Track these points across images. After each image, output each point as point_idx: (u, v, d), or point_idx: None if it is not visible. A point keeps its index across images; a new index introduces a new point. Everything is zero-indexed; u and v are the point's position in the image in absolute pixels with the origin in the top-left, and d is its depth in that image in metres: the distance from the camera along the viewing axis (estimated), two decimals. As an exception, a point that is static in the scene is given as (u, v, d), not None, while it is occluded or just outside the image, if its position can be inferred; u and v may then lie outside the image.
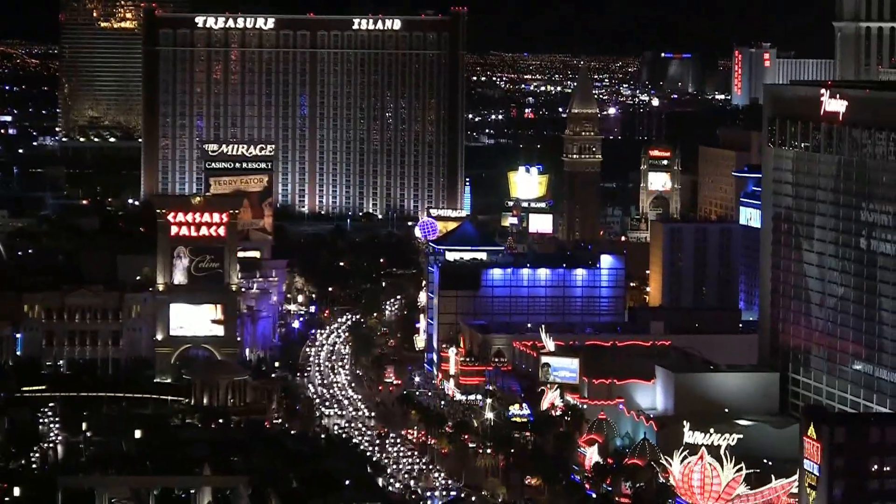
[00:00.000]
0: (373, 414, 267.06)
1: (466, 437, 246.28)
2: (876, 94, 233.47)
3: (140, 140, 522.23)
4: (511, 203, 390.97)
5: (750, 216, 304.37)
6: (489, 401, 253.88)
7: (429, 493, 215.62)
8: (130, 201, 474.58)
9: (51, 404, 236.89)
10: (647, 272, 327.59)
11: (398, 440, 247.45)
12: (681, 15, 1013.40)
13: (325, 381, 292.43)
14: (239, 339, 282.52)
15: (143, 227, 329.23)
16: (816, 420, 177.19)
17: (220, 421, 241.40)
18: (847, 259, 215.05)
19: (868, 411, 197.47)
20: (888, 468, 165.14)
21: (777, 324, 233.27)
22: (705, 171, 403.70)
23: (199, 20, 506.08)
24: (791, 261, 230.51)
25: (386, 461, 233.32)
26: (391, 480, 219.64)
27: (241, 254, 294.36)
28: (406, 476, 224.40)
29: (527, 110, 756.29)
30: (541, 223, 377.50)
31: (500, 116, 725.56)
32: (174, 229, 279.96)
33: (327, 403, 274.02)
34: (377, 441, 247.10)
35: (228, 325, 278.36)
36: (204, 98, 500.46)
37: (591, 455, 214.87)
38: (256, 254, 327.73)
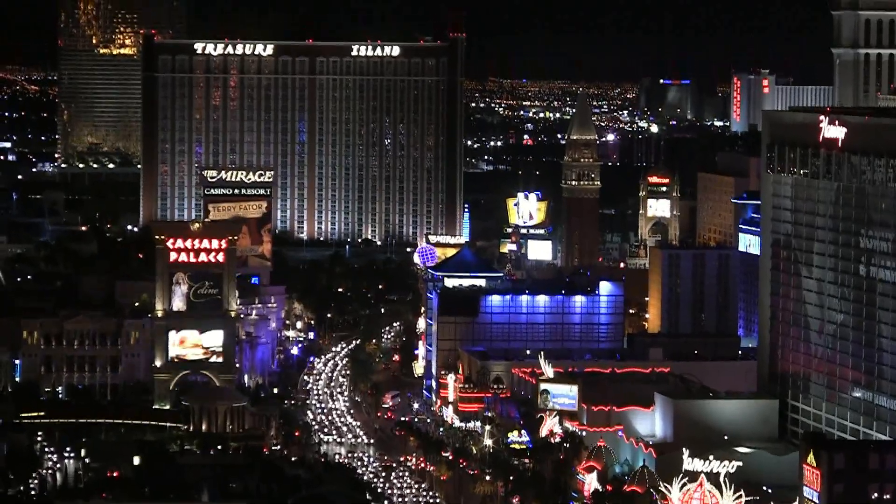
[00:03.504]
0: (371, 440, 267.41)
1: (465, 463, 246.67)
2: (875, 121, 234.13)
3: (139, 166, 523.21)
4: (510, 229, 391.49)
5: (749, 242, 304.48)
6: (488, 427, 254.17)
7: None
8: (129, 227, 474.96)
9: (49, 430, 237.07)
10: (646, 298, 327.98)
11: (397, 466, 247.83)
12: (680, 39, 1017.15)
13: (324, 408, 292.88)
14: (237, 365, 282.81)
15: (142, 252, 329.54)
16: (816, 447, 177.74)
17: (219, 447, 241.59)
18: (846, 286, 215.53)
19: (868, 438, 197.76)
20: (888, 496, 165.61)
21: (776, 350, 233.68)
22: (704, 197, 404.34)
23: (198, 46, 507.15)
24: (790, 287, 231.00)
25: (385, 487, 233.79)
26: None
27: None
28: (405, 502, 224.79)
29: (525, 136, 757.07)
30: (539, 249, 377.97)
31: (498, 142, 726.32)
32: (173, 255, 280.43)
33: (326, 430, 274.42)
34: (376, 467, 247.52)
35: (227, 351, 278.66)
36: (203, 124, 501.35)
37: (591, 482, 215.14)
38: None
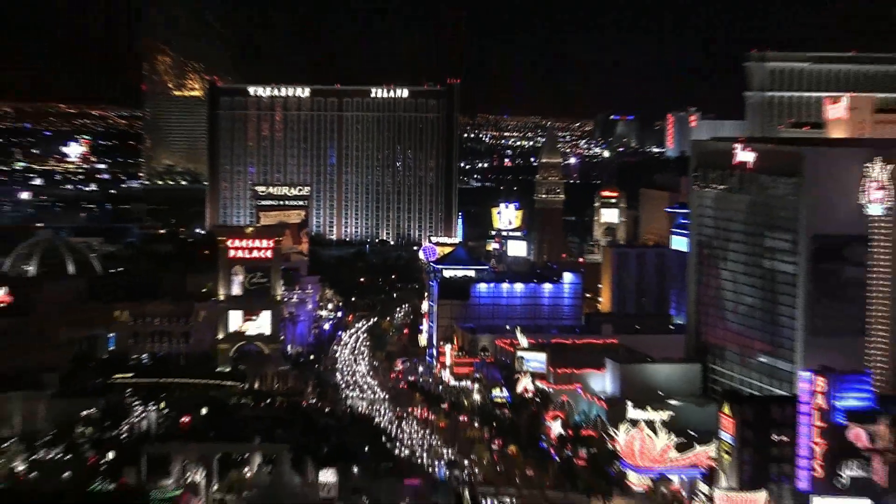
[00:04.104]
0: (386, 396, 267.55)
1: (459, 414, 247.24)
2: (777, 148, 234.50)
3: (205, 183, 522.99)
4: (494, 232, 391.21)
5: (680, 243, 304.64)
6: (476, 386, 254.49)
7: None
8: (197, 231, 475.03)
9: (135, 388, 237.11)
10: (600, 286, 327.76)
11: (406, 416, 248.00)
12: (627, 84, 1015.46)
13: (349, 371, 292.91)
14: (282, 337, 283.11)
15: (207, 251, 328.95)
16: (731, 401, 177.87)
17: (267, 401, 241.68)
18: (754, 276, 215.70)
19: (770, 394, 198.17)
20: (785, 438, 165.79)
21: (700, 326, 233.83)
22: (645, 207, 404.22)
23: (251, 90, 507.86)
24: (711, 277, 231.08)
25: (397, 432, 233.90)
26: (401, 448, 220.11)
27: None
28: (413, 445, 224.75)
29: (506, 160, 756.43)
30: (517, 248, 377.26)
31: (485, 164, 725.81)
32: (231, 253, 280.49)
33: (351, 388, 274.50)
34: (390, 417, 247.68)
35: (274, 327, 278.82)
36: (254, 150, 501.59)
37: (556, 428, 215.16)
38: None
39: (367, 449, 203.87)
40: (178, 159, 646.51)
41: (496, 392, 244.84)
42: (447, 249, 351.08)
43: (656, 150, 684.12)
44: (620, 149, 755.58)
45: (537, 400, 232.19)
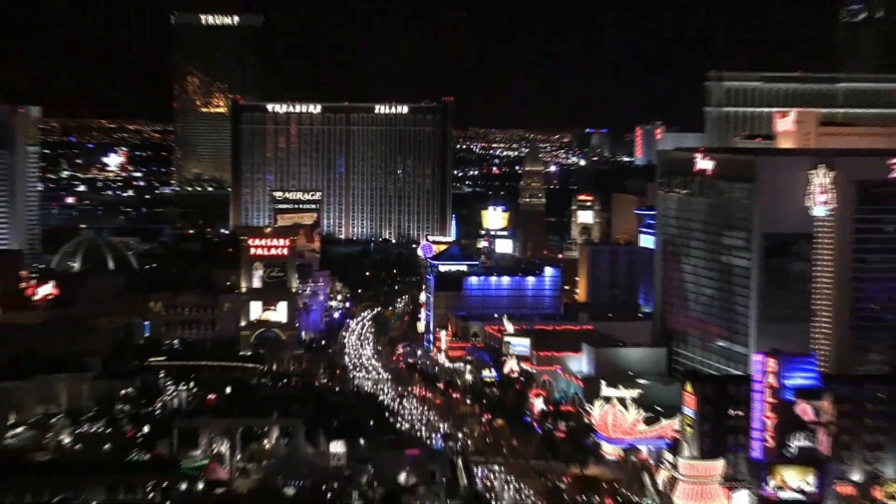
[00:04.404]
0: (389, 377, 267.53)
1: (453, 392, 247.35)
2: (733, 157, 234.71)
3: (229, 189, 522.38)
4: (483, 231, 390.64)
5: (647, 241, 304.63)
6: (468, 367, 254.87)
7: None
8: (222, 231, 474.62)
9: (167, 370, 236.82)
10: (577, 279, 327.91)
11: (406, 394, 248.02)
12: (601, 101, 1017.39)
13: (356, 354, 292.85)
14: (297, 325, 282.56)
15: (231, 249, 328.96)
16: (692, 380, 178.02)
17: (284, 381, 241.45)
18: (713, 270, 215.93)
19: (727, 374, 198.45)
20: (740, 413, 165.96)
21: (665, 314, 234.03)
22: (616, 209, 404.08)
23: (269, 106, 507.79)
24: (675, 271, 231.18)
25: (398, 408, 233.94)
26: (402, 422, 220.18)
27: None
28: (412, 419, 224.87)
29: (494, 168, 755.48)
30: (504, 245, 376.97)
31: (475, 172, 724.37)
32: (252, 250, 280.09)
33: (357, 369, 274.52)
34: (392, 395, 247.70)
35: (289, 315, 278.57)
36: (272, 160, 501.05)
37: (538, 404, 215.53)
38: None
39: (372, 423, 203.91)
40: (204, 168, 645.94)
41: (486, 373, 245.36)
42: (442, 247, 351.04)
43: (626, 159, 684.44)
44: (595, 158, 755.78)
45: (522, 379, 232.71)
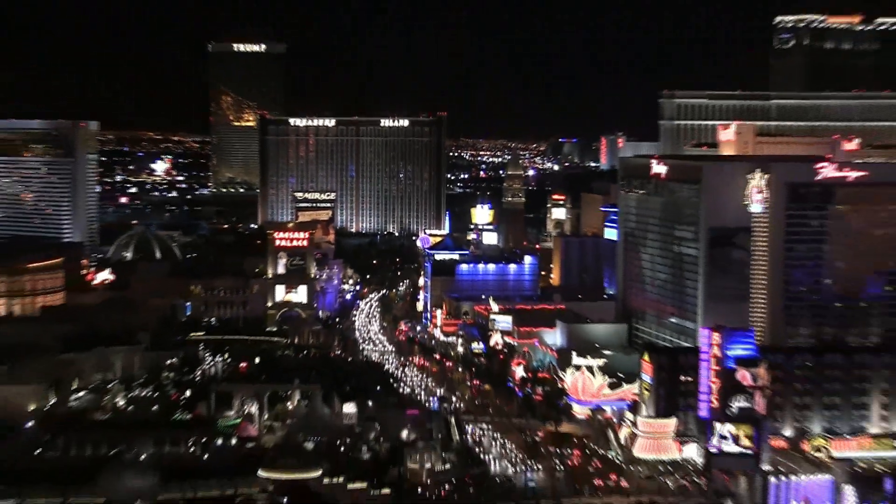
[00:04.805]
0: (393, 349, 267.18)
1: (447, 361, 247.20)
2: (683, 162, 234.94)
3: (257, 190, 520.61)
4: (472, 226, 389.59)
5: (611, 233, 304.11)
6: (460, 340, 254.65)
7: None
8: (251, 226, 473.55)
9: (206, 343, 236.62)
10: (551, 266, 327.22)
11: (407, 364, 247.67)
12: (571, 115, 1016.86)
13: (365, 330, 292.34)
14: (315, 305, 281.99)
15: (259, 241, 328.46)
16: (650, 351, 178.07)
17: (304, 353, 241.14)
18: (666, 258, 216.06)
19: (678, 346, 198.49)
20: (689, 378, 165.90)
21: (626, 295, 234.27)
22: (585, 207, 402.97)
23: (291, 120, 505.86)
24: (634, 259, 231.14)
25: (401, 376, 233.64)
26: (404, 387, 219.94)
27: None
28: (412, 385, 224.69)
29: (481, 172, 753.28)
30: (490, 238, 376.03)
31: (465, 176, 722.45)
32: (277, 242, 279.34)
33: (366, 342, 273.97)
34: (396, 364, 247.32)
35: (309, 297, 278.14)
36: (294, 166, 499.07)
37: (519, 371, 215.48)
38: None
39: (378, 388, 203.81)
40: (236, 173, 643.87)
41: (474, 345, 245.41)
42: (438, 239, 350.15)
43: (593, 164, 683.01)
44: (566, 164, 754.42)
45: (505, 351, 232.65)
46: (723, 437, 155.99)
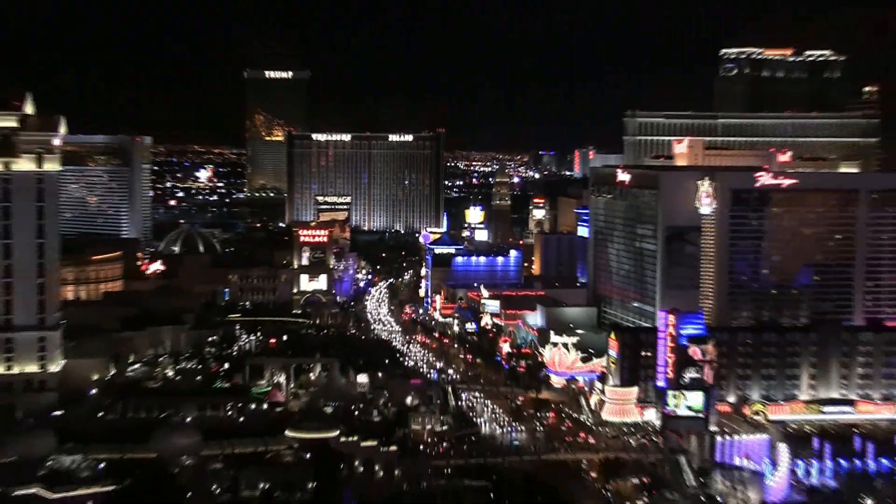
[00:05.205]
0: (399, 328, 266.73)
1: (444, 339, 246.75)
2: (644, 171, 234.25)
3: (284, 195, 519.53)
4: (466, 224, 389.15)
5: (583, 231, 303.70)
6: (455, 321, 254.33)
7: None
8: (280, 225, 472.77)
9: (241, 324, 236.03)
10: (533, 258, 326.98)
11: (412, 341, 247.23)
12: (550, 130, 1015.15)
13: (376, 312, 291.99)
14: (333, 291, 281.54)
15: (286, 237, 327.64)
16: (616, 330, 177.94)
17: (324, 332, 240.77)
18: (630, 252, 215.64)
19: (640, 326, 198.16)
20: (649, 353, 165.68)
21: (596, 284, 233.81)
22: (561, 209, 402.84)
23: (314, 136, 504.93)
24: (603, 253, 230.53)
25: (406, 351, 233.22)
26: (408, 361, 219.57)
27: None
28: (416, 359, 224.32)
29: (474, 179, 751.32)
30: (481, 234, 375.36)
31: (460, 182, 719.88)
32: (301, 238, 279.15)
33: (377, 323, 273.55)
34: (402, 341, 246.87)
35: (328, 285, 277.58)
36: (316, 174, 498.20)
37: (506, 347, 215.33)
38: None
39: (386, 361, 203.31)
40: (267, 180, 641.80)
41: (468, 325, 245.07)
42: (437, 235, 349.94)
43: (568, 173, 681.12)
44: (545, 172, 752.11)
45: (494, 330, 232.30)
46: (676, 406, 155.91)
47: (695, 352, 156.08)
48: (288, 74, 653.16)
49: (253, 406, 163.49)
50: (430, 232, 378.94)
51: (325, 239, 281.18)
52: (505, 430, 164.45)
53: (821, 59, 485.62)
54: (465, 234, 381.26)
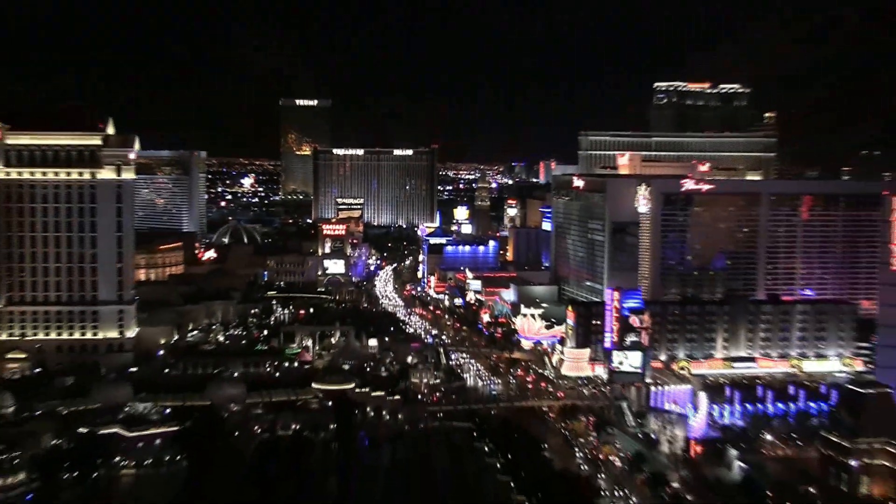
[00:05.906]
0: (402, 303, 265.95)
1: (438, 312, 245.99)
2: (594, 178, 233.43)
3: (311, 197, 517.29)
4: (455, 220, 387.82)
5: (547, 226, 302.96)
6: (446, 297, 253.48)
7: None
8: (307, 221, 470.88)
9: (277, 299, 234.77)
10: (507, 247, 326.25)
11: (412, 314, 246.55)
12: (520, 145, 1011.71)
13: (384, 290, 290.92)
14: (350, 274, 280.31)
15: (313, 231, 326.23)
16: (572, 304, 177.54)
17: (342, 305, 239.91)
18: (583, 242, 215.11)
19: (591, 301, 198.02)
20: (598, 322, 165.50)
21: (557, 267, 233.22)
22: (529, 208, 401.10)
23: (335, 151, 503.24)
24: (562, 243, 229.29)
25: (408, 321, 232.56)
26: (410, 328, 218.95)
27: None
28: (415, 327, 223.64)
29: (461, 185, 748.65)
30: (466, 228, 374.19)
31: (450, 187, 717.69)
32: (325, 231, 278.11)
33: (384, 298, 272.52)
34: (404, 314, 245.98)
35: (346, 269, 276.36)
36: (336, 181, 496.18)
37: (486, 318, 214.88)
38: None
39: (392, 329, 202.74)
40: (298, 186, 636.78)
41: (456, 300, 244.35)
42: (432, 229, 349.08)
43: (535, 179, 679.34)
44: (517, 179, 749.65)
45: (476, 304, 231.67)
46: (619, 363, 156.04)
47: (634, 321, 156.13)
48: (314, 102, 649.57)
49: (286, 364, 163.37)
50: (426, 226, 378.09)
51: (343, 232, 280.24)
52: (485, 382, 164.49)
53: (731, 90, 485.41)
54: (454, 227, 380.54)
